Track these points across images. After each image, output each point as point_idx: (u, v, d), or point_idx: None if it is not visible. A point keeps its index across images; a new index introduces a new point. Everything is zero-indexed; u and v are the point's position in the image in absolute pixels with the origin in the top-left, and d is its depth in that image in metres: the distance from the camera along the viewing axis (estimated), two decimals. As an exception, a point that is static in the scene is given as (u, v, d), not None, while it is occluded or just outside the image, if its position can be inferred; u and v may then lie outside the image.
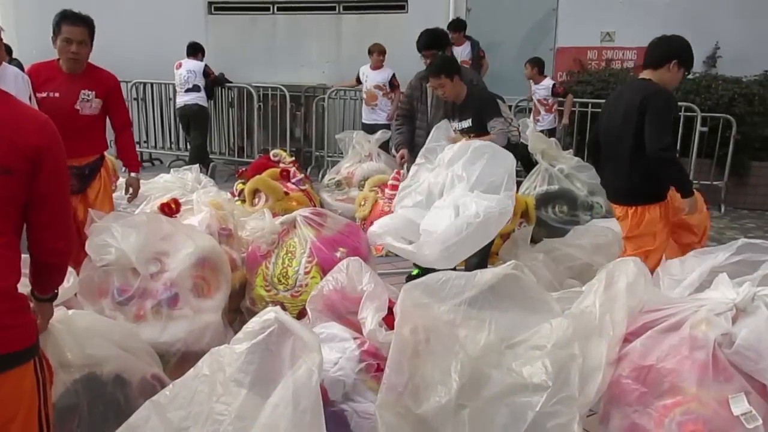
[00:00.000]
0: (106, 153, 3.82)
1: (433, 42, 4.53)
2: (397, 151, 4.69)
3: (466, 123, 4.05)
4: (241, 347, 1.73)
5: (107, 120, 3.67)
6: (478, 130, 3.98)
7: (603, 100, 7.29)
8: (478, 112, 3.98)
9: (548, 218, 5.30)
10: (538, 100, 7.12)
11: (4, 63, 3.14)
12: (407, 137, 4.64)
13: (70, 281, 2.33)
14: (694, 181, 6.68)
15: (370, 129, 7.02)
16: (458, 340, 2.26)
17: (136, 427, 1.71)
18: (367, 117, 7.42)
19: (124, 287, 2.94)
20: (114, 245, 2.89)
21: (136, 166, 3.78)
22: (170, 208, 3.76)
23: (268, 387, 1.65)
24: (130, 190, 3.72)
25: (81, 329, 2.12)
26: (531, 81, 7.15)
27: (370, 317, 2.48)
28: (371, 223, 5.59)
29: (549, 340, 2.16)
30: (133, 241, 2.93)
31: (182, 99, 8.00)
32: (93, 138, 3.53)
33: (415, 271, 4.44)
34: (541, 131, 6.52)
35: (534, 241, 4.69)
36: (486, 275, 2.45)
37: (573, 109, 7.30)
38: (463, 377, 2.15)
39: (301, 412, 1.63)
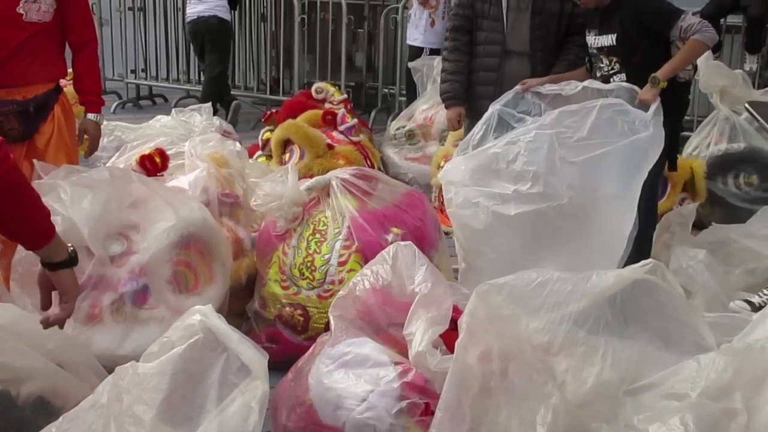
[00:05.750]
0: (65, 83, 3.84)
1: None
2: (447, 108, 4.35)
3: (608, 39, 3.83)
4: (147, 366, 1.70)
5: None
6: (626, 54, 3.77)
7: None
8: (632, 19, 3.76)
9: (726, 192, 5.18)
10: None
11: None
12: (463, 81, 4.22)
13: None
14: None
15: None
16: (554, 375, 2.24)
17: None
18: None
19: (72, 273, 2.96)
20: (60, 212, 2.91)
21: (96, 103, 3.74)
22: (153, 163, 3.78)
23: (183, 428, 1.61)
24: (85, 138, 3.72)
25: (-4, 329, 2.14)
26: None
27: (420, 333, 2.45)
28: (455, 193, 5.62)
29: (694, 385, 2.11)
30: (88, 207, 2.94)
31: (195, 9, 8.11)
32: (43, 58, 3.53)
33: None
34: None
35: (698, 227, 4.53)
36: (605, 279, 2.40)
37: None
38: (556, 432, 2.12)
39: None
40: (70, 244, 1.99)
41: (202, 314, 1.68)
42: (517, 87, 3.86)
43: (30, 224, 1.92)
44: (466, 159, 3.66)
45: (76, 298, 2.00)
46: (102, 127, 3.87)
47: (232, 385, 1.58)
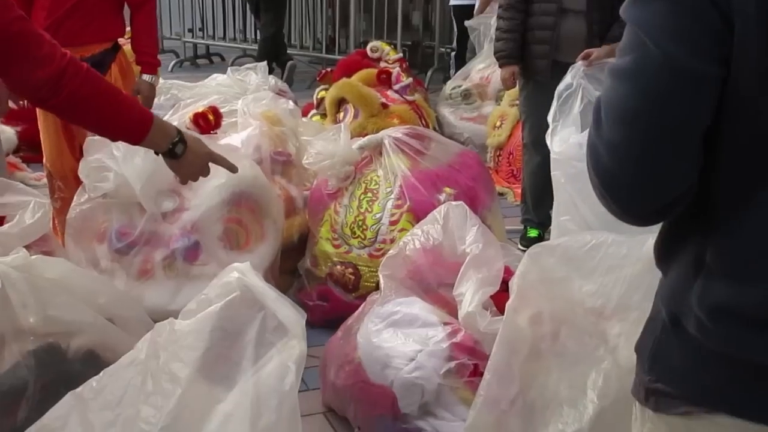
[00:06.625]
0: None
1: None
2: (501, 67, 4.24)
3: None
4: (184, 323, 1.69)
5: None
6: None
7: None
8: None
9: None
10: None
11: None
12: (518, 40, 4.08)
13: (36, 215, 2.38)
14: None
15: None
16: (606, 339, 2.18)
17: (51, 429, 1.73)
18: None
19: (124, 229, 3.01)
20: (113, 168, 2.94)
21: (152, 64, 3.70)
22: (206, 121, 3.78)
23: (219, 386, 1.60)
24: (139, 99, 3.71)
25: (46, 282, 2.14)
26: None
27: (470, 293, 2.43)
28: (510, 154, 5.54)
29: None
30: (140, 164, 2.96)
31: (250, -32, 8.12)
32: (100, 18, 3.53)
33: (533, 232, 4.26)
34: None
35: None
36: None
37: None
38: (607, 398, 2.08)
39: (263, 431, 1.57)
40: (177, 133, 2.04)
41: (239, 272, 1.67)
42: (579, 63, 3.69)
43: (120, 127, 2.03)
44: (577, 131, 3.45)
45: (184, 178, 2.19)
46: (158, 86, 3.85)
47: (269, 344, 1.56)
